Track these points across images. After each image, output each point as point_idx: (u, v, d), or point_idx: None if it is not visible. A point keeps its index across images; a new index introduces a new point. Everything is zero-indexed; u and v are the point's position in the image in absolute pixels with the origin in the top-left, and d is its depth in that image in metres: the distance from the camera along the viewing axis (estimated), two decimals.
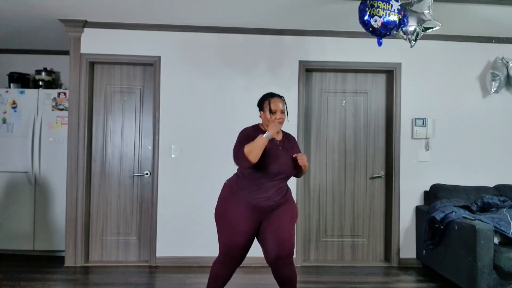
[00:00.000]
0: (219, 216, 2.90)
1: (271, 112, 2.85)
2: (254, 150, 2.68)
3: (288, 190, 2.96)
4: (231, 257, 2.87)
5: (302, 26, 4.38)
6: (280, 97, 2.94)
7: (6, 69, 5.08)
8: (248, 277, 4.02)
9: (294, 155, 2.84)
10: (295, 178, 4.41)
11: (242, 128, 2.97)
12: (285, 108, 2.92)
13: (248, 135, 2.84)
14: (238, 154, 2.75)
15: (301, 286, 3.82)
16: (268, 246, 2.84)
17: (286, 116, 2.93)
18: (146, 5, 3.87)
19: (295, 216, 2.96)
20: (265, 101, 2.91)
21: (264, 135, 2.72)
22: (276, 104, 2.86)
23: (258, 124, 2.99)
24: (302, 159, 2.82)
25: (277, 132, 2.87)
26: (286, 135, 3.03)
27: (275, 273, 2.88)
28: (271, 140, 2.83)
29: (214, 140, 4.39)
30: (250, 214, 2.81)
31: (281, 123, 2.86)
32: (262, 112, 2.94)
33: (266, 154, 2.77)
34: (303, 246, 4.58)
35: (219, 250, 2.90)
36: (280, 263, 2.85)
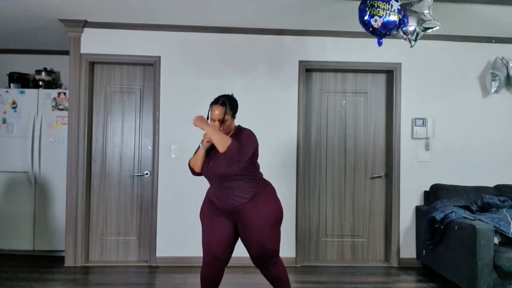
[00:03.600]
0: (200, 218, 2.99)
1: (208, 118, 2.87)
2: (197, 162, 2.90)
3: (258, 190, 2.85)
4: (211, 256, 2.87)
5: (302, 26, 4.38)
6: (223, 104, 2.81)
7: (6, 69, 5.08)
8: (247, 277, 4.02)
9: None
10: (295, 178, 4.43)
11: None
12: (225, 114, 2.79)
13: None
14: (189, 165, 2.97)
15: (301, 286, 3.83)
16: (249, 249, 2.89)
17: (232, 120, 2.88)
18: (146, 5, 3.87)
19: (273, 217, 2.85)
20: (209, 108, 2.88)
21: (200, 147, 2.87)
22: (213, 112, 2.82)
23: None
24: (195, 121, 2.74)
25: (228, 133, 2.86)
26: (237, 133, 2.89)
27: (262, 272, 2.95)
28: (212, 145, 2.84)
29: None
30: (215, 215, 2.88)
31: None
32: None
33: (208, 157, 2.89)
34: (303, 246, 4.58)
35: (202, 251, 2.93)
36: (261, 264, 2.90)
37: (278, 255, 2.92)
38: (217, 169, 2.82)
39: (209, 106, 2.89)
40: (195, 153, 2.94)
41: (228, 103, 2.83)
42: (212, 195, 2.92)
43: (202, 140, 2.88)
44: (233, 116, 2.89)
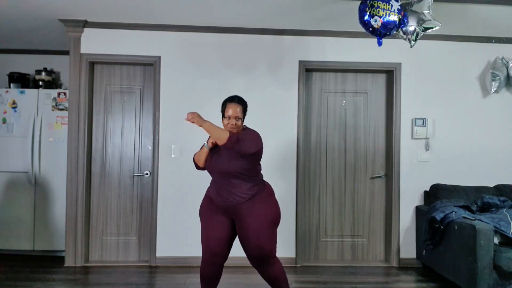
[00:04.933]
0: (199, 215, 3.04)
1: (224, 117, 2.89)
2: (199, 158, 3.00)
3: (257, 191, 2.88)
4: (210, 253, 2.90)
5: (302, 26, 4.38)
6: (240, 102, 2.89)
7: (6, 69, 5.08)
8: (247, 277, 4.02)
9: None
10: (295, 178, 4.43)
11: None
12: (242, 111, 2.89)
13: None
14: (194, 160, 3.06)
15: (301, 286, 3.83)
16: (245, 249, 2.91)
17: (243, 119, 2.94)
18: (146, 5, 3.87)
19: (270, 218, 2.88)
20: (223, 105, 2.93)
21: (205, 145, 2.94)
22: (232, 110, 2.85)
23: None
24: (190, 115, 2.73)
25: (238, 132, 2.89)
26: (244, 130, 2.95)
27: (259, 272, 2.97)
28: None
29: None
30: (214, 212, 2.92)
31: (232, 129, 2.84)
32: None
33: (212, 153, 2.94)
34: (303, 246, 4.57)
35: (201, 249, 2.96)
36: (258, 264, 2.92)
37: (275, 255, 2.94)
38: (219, 166, 2.87)
39: (223, 103, 2.95)
40: (200, 148, 3.05)
41: (243, 102, 2.94)
42: (212, 192, 2.97)
43: (208, 139, 2.95)
44: (244, 116, 2.97)
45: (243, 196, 2.84)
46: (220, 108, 4.55)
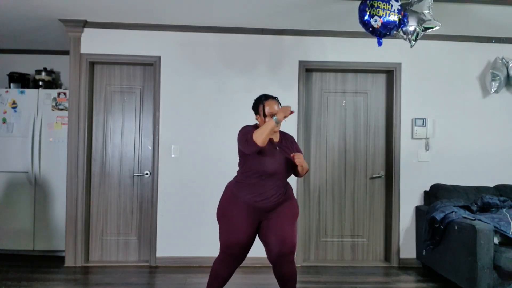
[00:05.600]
0: (220, 216, 2.94)
1: (265, 116, 2.88)
2: (263, 134, 2.70)
3: (288, 188, 2.97)
4: (231, 256, 2.89)
5: (302, 26, 4.38)
6: (274, 98, 2.94)
7: (6, 69, 5.08)
8: (248, 277, 4.02)
9: (292, 154, 2.83)
10: (295, 178, 4.42)
11: (242, 127, 2.98)
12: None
13: (251, 130, 2.85)
14: (248, 139, 2.75)
15: (301, 286, 3.82)
16: (271, 244, 2.86)
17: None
18: (146, 5, 3.87)
19: (296, 214, 2.96)
20: (260, 104, 2.92)
21: (273, 118, 2.75)
22: (273, 107, 2.87)
23: (256, 124, 3.00)
24: (298, 158, 2.80)
25: (274, 132, 2.91)
26: (283, 135, 3.04)
27: (276, 270, 2.91)
28: (270, 141, 2.87)
29: (214, 140, 4.39)
30: (249, 215, 2.84)
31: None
32: (258, 116, 2.96)
33: (263, 153, 2.82)
34: (303, 246, 4.57)
35: (220, 249, 2.93)
36: (281, 261, 2.87)
37: (295, 254, 2.94)
38: (276, 166, 2.84)
39: (259, 102, 2.93)
40: (263, 125, 2.79)
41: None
42: (252, 195, 2.84)
43: (276, 115, 2.78)
44: None
45: (283, 191, 2.90)
46: (220, 108, 4.56)
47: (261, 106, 2.91)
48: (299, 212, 4.42)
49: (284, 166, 2.88)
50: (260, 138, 2.70)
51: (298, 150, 3.00)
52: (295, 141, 3.08)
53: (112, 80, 4.55)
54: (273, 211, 2.86)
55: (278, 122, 2.74)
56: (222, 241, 2.91)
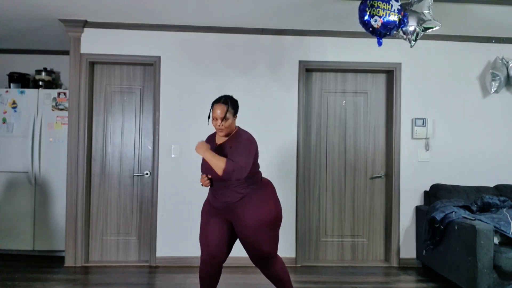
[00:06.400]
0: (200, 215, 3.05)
1: (209, 118, 2.91)
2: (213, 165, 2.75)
3: (252, 190, 2.84)
4: (207, 254, 2.91)
5: (302, 26, 4.38)
6: (225, 102, 2.84)
7: (6, 69, 5.09)
8: (248, 277, 4.02)
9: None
10: (295, 178, 4.43)
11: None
12: (227, 112, 2.80)
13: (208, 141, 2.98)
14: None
15: (301, 286, 3.83)
16: (246, 251, 2.94)
17: (234, 119, 2.88)
18: (146, 5, 3.87)
19: (266, 219, 2.82)
20: (211, 106, 2.89)
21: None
22: (215, 111, 2.84)
23: (214, 132, 3.03)
24: (197, 148, 2.78)
25: (221, 136, 2.91)
26: (235, 137, 2.88)
27: (262, 272, 3.00)
28: (212, 144, 2.94)
29: None
30: (213, 212, 2.93)
31: (221, 130, 2.84)
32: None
33: None
34: (303, 246, 4.58)
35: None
36: (261, 265, 2.95)
37: (275, 255, 2.94)
38: (209, 168, 2.82)
39: (210, 105, 2.92)
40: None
41: (229, 101, 2.87)
42: (210, 193, 2.98)
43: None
44: (235, 115, 2.91)
45: (236, 195, 2.82)
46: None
47: (210, 109, 2.90)
48: (298, 212, 4.45)
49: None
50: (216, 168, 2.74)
51: (243, 150, 2.78)
52: (241, 141, 2.83)
53: (112, 80, 4.56)
54: (232, 213, 2.85)
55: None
56: (200, 242, 2.98)
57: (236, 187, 2.82)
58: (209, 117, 2.92)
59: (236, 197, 2.82)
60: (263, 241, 2.83)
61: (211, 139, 3.02)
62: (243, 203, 2.82)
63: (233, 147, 2.80)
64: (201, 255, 2.96)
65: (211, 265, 2.92)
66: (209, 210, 2.96)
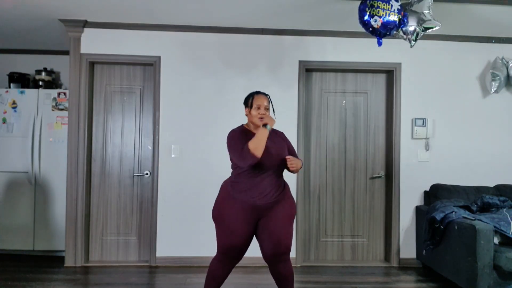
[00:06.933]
0: (216, 217, 2.92)
1: (251, 107, 2.93)
2: (260, 145, 2.70)
3: (285, 186, 2.96)
4: (229, 256, 2.90)
5: (302, 26, 4.38)
6: (266, 94, 2.97)
7: (6, 69, 5.08)
8: (248, 277, 4.02)
9: (286, 157, 2.84)
10: (295, 178, 4.43)
11: (229, 133, 2.98)
12: (270, 106, 2.96)
13: (240, 135, 2.88)
14: (243, 152, 2.72)
15: (301, 286, 3.83)
16: (265, 243, 2.87)
17: (273, 114, 3.01)
18: (146, 5, 3.87)
19: (293, 214, 2.95)
20: (250, 97, 2.97)
21: (267, 127, 2.79)
22: (261, 100, 2.91)
23: (242, 125, 3.02)
24: (290, 162, 2.81)
25: (264, 122, 2.91)
26: (273, 131, 3.02)
27: (271, 269, 2.95)
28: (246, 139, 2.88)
29: (214, 140, 4.39)
30: (247, 215, 2.83)
31: (262, 118, 2.87)
32: (247, 108, 2.97)
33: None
34: (303, 246, 4.58)
35: (218, 250, 2.93)
36: (275, 260, 2.90)
37: (290, 253, 2.95)
38: (278, 161, 2.85)
39: (250, 96, 2.97)
40: (256, 134, 2.77)
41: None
42: (251, 194, 2.81)
43: (262, 123, 2.84)
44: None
45: (281, 191, 2.90)
46: (220, 108, 4.58)
47: (250, 99, 2.95)
48: (298, 212, 4.46)
49: (277, 162, 2.87)
50: (258, 150, 2.69)
51: (290, 147, 3.04)
52: (286, 138, 3.08)
53: (112, 80, 4.56)
54: (271, 209, 2.84)
55: (270, 129, 2.81)
56: (220, 243, 2.90)
57: (281, 183, 2.92)
58: (247, 105, 2.96)
59: (282, 187, 2.91)
60: (289, 234, 2.90)
61: (243, 132, 2.95)
62: (285, 193, 2.92)
63: (286, 143, 3.02)
64: (220, 255, 2.91)
65: (229, 264, 2.93)
66: (243, 211, 2.82)
